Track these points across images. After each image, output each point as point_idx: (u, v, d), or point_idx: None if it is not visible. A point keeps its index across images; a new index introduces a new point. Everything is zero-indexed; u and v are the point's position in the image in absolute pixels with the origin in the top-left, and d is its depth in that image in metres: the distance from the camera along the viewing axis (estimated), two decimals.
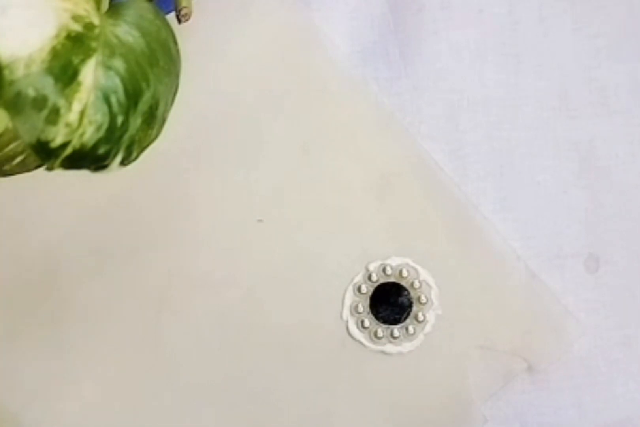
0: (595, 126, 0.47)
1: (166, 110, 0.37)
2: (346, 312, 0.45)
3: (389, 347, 0.45)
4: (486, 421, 0.44)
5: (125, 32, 0.35)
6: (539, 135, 0.47)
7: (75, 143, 0.34)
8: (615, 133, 0.47)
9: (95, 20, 0.34)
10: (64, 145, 0.34)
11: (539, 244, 0.45)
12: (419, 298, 0.45)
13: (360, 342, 0.45)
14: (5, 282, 0.44)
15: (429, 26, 0.47)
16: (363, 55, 0.47)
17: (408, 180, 0.46)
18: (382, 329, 0.45)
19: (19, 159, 0.34)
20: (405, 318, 0.45)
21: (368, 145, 0.46)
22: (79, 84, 0.33)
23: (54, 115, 0.33)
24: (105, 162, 0.36)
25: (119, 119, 0.35)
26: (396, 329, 0.45)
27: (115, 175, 0.41)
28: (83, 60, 0.34)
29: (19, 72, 0.32)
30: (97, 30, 0.34)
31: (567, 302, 0.45)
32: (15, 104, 0.32)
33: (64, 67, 0.33)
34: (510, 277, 0.45)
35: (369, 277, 0.45)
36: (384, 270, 0.45)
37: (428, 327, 0.45)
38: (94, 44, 0.34)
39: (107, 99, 0.34)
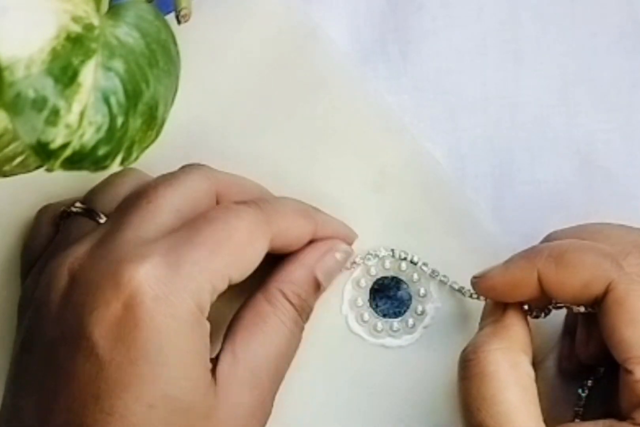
0: (596, 125, 0.47)
1: (166, 111, 0.37)
2: (345, 307, 0.45)
3: (389, 341, 0.45)
4: None
5: (125, 33, 0.36)
6: (539, 134, 0.47)
7: (75, 144, 0.34)
8: (615, 132, 0.47)
9: (95, 22, 0.34)
10: (64, 146, 0.34)
11: (537, 242, 0.45)
12: (418, 291, 0.45)
13: (360, 336, 0.45)
14: (6, 282, 0.44)
15: (429, 25, 0.47)
16: (363, 54, 0.47)
17: (407, 176, 0.46)
18: (381, 323, 0.45)
19: (19, 159, 0.34)
20: (405, 311, 0.45)
21: (367, 143, 0.46)
22: (78, 85, 0.33)
23: (54, 117, 0.33)
24: (105, 163, 0.36)
25: (119, 120, 0.35)
26: (396, 323, 0.45)
27: None
28: (83, 62, 0.34)
29: (19, 73, 0.32)
30: (97, 32, 0.34)
31: None
32: (15, 105, 0.32)
33: (64, 68, 0.33)
34: None
35: (368, 271, 0.45)
36: (382, 264, 0.45)
37: (427, 320, 0.45)
38: (93, 45, 0.34)
39: (107, 100, 0.34)
